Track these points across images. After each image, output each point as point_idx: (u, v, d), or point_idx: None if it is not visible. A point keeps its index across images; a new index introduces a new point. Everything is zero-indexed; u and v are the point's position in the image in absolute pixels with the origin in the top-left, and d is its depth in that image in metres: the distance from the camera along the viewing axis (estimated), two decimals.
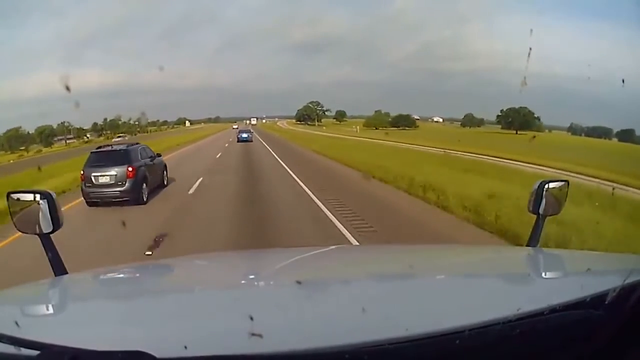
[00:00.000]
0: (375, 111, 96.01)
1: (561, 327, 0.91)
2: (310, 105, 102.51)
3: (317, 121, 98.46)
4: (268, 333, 0.81)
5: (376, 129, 67.94)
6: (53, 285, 1.46)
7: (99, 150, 11.23)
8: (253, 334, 0.79)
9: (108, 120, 70.32)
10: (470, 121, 73.21)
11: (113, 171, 10.21)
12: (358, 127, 69.19)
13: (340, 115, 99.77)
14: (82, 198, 10.33)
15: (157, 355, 0.73)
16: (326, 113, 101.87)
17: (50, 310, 1.26)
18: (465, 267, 1.63)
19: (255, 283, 1.50)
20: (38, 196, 1.55)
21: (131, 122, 73.49)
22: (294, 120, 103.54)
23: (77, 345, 0.74)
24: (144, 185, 10.67)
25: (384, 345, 0.81)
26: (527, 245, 1.73)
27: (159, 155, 12.70)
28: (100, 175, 10.21)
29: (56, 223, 1.54)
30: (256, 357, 0.78)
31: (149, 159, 11.60)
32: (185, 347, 0.78)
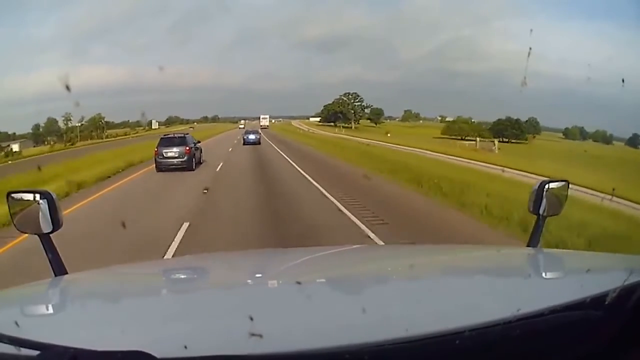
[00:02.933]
0: (405, 111, 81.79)
1: (561, 327, 0.91)
2: (345, 98, 76.65)
3: (355, 122, 74.57)
4: (268, 333, 0.81)
5: (462, 139, 49.51)
6: (53, 285, 1.46)
7: (166, 136, 17.99)
8: (253, 334, 0.79)
9: (49, 119, 56.41)
10: (533, 127, 57.34)
11: (176, 149, 16.79)
12: (468, 141, 43.30)
13: (376, 115, 77.41)
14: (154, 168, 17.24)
15: (157, 355, 0.73)
16: (366, 111, 76.47)
17: (50, 311, 1.26)
18: (466, 267, 1.64)
19: (256, 283, 1.50)
20: (38, 196, 1.55)
21: (82, 123, 58.69)
22: (310, 120, 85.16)
23: (77, 345, 0.74)
24: (194, 159, 17.37)
25: (384, 346, 0.81)
26: (528, 246, 1.73)
27: (199, 142, 19.35)
28: (169, 151, 16.74)
29: (56, 223, 1.54)
30: (256, 358, 0.78)
31: (193, 144, 17.99)
32: (185, 347, 0.78)
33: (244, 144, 32.18)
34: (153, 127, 75.24)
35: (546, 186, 1.73)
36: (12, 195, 1.60)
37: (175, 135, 18.08)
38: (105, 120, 65.83)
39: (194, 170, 16.83)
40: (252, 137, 32.86)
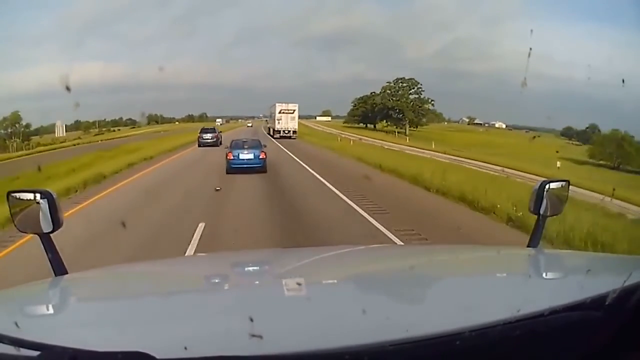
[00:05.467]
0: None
1: (561, 328, 0.91)
2: (392, 85, 53.53)
3: (410, 125, 52.35)
4: (268, 334, 0.81)
5: (615, 167, 35.70)
6: (53, 285, 1.46)
7: (204, 128, 32.91)
8: (253, 335, 0.80)
9: None
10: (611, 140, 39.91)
11: (210, 134, 31.24)
12: None
13: (421, 114, 52.21)
14: (197, 145, 30.59)
15: (157, 356, 0.73)
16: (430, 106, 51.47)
17: (51, 311, 1.26)
18: (466, 268, 1.64)
19: (256, 284, 1.50)
20: (38, 196, 1.55)
21: None
22: (317, 119, 71.51)
23: (77, 345, 0.74)
24: (219, 140, 30.04)
25: (384, 347, 0.81)
26: (528, 246, 1.73)
27: (220, 131, 34.60)
28: (206, 135, 30.97)
29: (56, 223, 1.53)
30: (256, 358, 0.78)
31: (218, 132, 32.88)
32: (185, 348, 0.78)
33: (227, 172, 15.28)
34: (58, 135, 49.98)
35: (547, 186, 1.73)
36: (13, 194, 1.60)
37: (208, 128, 33.66)
38: (23, 123, 47.25)
39: (218, 146, 27.65)
40: (246, 156, 15.65)
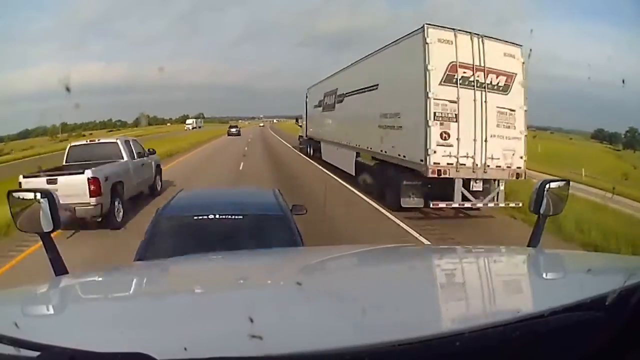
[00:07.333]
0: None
1: (562, 329, 0.91)
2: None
3: None
4: (268, 335, 0.81)
5: None
6: (53, 286, 1.46)
7: (231, 125, 61.11)
8: (253, 336, 0.79)
9: None
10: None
11: (234, 129, 55.19)
12: None
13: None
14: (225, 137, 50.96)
15: (157, 357, 0.73)
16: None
17: (51, 311, 1.26)
18: (466, 269, 1.63)
19: (256, 284, 1.50)
20: (39, 195, 1.55)
21: None
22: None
23: (77, 346, 0.74)
24: (239, 133, 55.19)
25: (384, 347, 0.81)
26: (528, 246, 1.73)
27: (239, 127, 61.10)
28: (233, 129, 54.87)
29: (57, 222, 1.54)
30: (256, 359, 0.78)
31: (239, 127, 59.92)
32: (185, 349, 0.78)
33: None
34: None
35: (547, 185, 1.72)
36: (13, 194, 1.60)
37: (234, 125, 57.11)
38: None
39: (239, 135, 48.79)
40: None
